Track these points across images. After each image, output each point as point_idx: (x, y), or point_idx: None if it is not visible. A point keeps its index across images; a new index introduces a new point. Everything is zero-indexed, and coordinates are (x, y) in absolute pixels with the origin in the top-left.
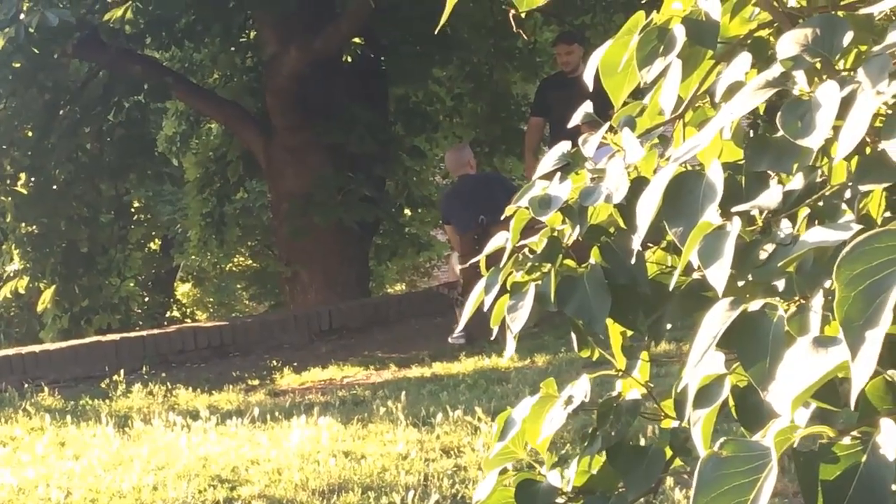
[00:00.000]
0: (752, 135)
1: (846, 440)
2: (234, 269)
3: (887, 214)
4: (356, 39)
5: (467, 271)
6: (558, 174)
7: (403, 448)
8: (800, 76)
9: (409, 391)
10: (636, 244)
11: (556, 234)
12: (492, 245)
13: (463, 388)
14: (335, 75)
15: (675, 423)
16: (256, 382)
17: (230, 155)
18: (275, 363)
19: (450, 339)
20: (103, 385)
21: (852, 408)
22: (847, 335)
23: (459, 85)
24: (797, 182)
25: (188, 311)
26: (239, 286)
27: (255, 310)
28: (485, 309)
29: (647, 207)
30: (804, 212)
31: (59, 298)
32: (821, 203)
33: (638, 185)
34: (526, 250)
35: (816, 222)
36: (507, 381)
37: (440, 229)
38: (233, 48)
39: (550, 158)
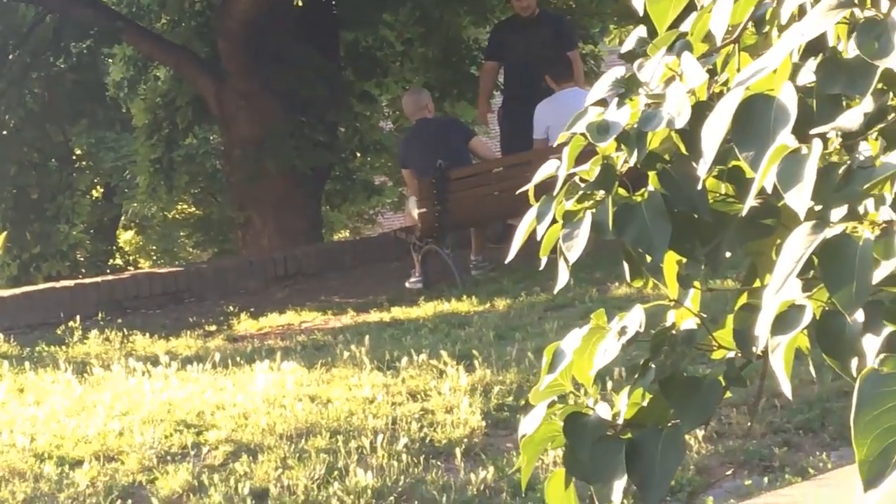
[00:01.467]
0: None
1: None
2: (177, 216)
3: None
4: None
5: (425, 215)
6: (615, 100)
7: (370, 392)
8: None
9: (371, 335)
10: (703, 170)
11: (608, 161)
12: (541, 173)
13: (425, 332)
14: (286, 19)
15: (729, 354)
16: (214, 328)
17: (179, 101)
18: (231, 309)
19: (407, 284)
20: (59, 332)
21: None
22: None
23: (410, 29)
24: (867, 105)
25: (131, 258)
26: (182, 233)
27: (198, 257)
28: (538, 237)
29: (715, 132)
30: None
31: (10, 245)
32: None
33: (699, 109)
34: (577, 179)
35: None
36: (469, 324)
37: (387, 176)
38: None
39: (604, 84)
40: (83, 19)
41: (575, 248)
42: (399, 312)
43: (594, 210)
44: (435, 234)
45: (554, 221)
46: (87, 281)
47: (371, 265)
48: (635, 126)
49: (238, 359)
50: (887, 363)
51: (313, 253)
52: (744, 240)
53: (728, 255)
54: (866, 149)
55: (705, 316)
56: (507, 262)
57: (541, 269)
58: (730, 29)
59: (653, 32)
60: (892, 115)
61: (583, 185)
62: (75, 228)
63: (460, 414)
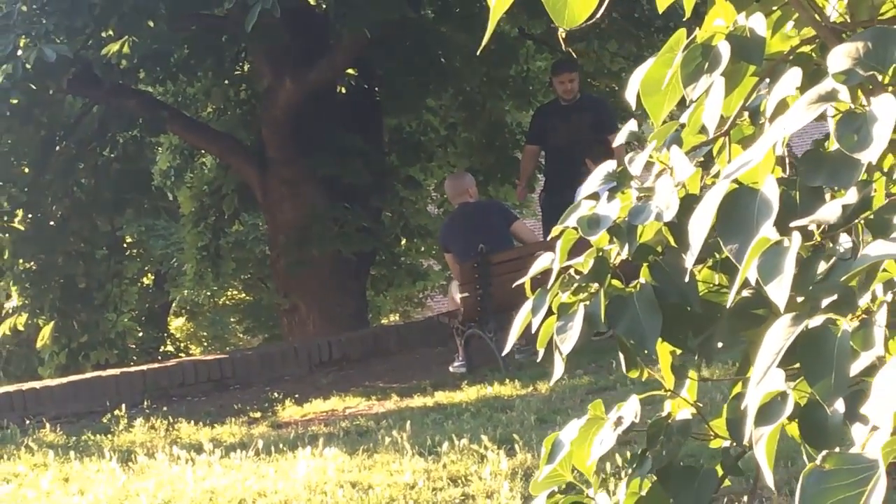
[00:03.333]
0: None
1: None
2: (227, 302)
3: None
4: (350, 70)
5: (467, 300)
6: (606, 194)
7: (410, 478)
8: (844, 94)
9: (413, 420)
10: (690, 262)
11: (601, 254)
12: (536, 267)
13: (467, 417)
14: (330, 106)
15: (725, 443)
16: (258, 415)
17: (225, 188)
18: (276, 395)
19: (451, 368)
20: (105, 420)
21: None
22: None
23: (453, 114)
24: (851, 196)
25: (182, 345)
26: (233, 319)
27: (248, 343)
28: (532, 330)
29: (701, 225)
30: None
31: (57, 334)
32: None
33: (688, 202)
34: (572, 271)
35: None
36: (511, 408)
37: (434, 259)
38: (226, 81)
39: (596, 178)
40: (129, 109)
41: (568, 341)
42: (442, 397)
43: (588, 302)
44: (477, 318)
45: (550, 313)
46: (133, 369)
47: (416, 350)
48: (626, 219)
49: (281, 445)
50: (829, 460)
51: (358, 338)
52: (735, 330)
53: (720, 345)
54: (846, 240)
55: (701, 405)
56: (503, 354)
57: (538, 360)
58: (724, 120)
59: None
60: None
61: (577, 277)
62: (124, 316)
63: (501, 499)
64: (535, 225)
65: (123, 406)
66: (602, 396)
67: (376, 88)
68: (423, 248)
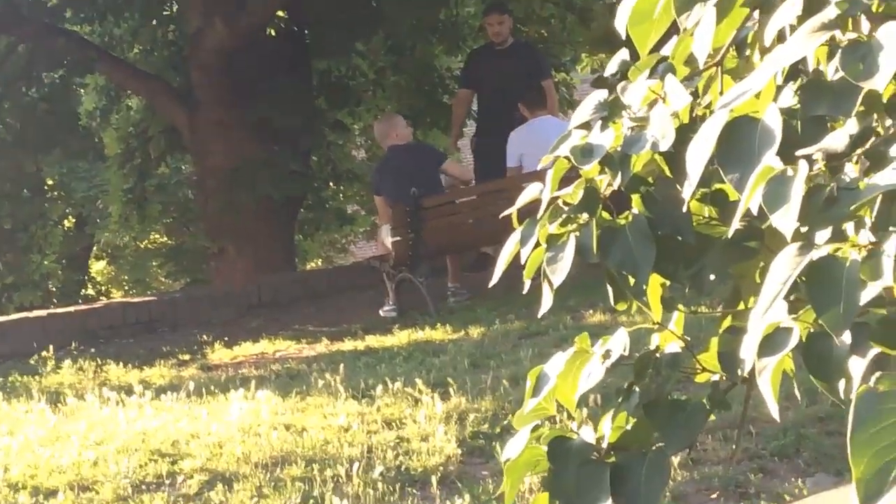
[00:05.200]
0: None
1: None
2: (149, 246)
3: None
4: (280, 13)
5: (399, 244)
6: (599, 122)
7: (345, 420)
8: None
9: (346, 364)
10: (687, 192)
11: (591, 184)
12: (524, 197)
13: (399, 361)
14: (259, 49)
15: (713, 377)
16: (188, 357)
17: (152, 130)
18: (205, 338)
19: (381, 312)
20: (32, 361)
21: None
22: None
23: (382, 58)
24: (851, 127)
25: (103, 288)
26: (154, 263)
27: (171, 287)
28: (521, 261)
29: (700, 155)
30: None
31: None
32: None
33: (684, 132)
34: (560, 202)
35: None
36: (444, 352)
37: (359, 205)
38: (154, 21)
39: (587, 107)
40: (56, 49)
41: (559, 272)
42: (373, 341)
43: (578, 233)
44: (408, 263)
45: (537, 245)
46: (60, 311)
47: (345, 294)
48: (619, 149)
49: (212, 388)
50: (883, 381)
51: (287, 282)
52: (728, 262)
53: (712, 277)
54: (851, 171)
55: (689, 339)
56: (490, 286)
57: (524, 292)
58: (712, 52)
59: (635, 57)
60: (875, 136)
61: (566, 208)
62: (48, 258)
63: (436, 442)
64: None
65: (51, 348)
66: (534, 341)
67: (305, 31)
68: (350, 193)
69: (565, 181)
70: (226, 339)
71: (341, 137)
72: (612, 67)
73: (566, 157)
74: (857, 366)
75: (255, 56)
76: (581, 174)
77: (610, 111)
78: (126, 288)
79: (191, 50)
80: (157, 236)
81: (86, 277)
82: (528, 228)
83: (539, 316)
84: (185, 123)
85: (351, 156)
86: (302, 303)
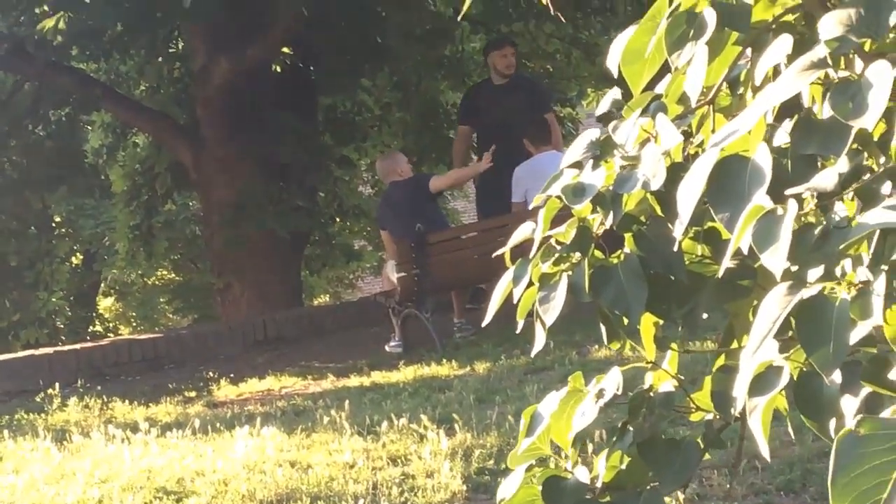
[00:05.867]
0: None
1: None
2: (156, 282)
3: None
4: (285, 49)
5: (404, 279)
6: (590, 163)
7: (350, 457)
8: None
9: (351, 400)
10: (679, 231)
11: (584, 223)
12: (517, 236)
13: (405, 397)
14: (264, 85)
15: (707, 416)
16: (194, 394)
17: (158, 167)
18: (211, 374)
19: (387, 348)
20: (38, 399)
21: None
22: None
23: (388, 94)
24: (842, 165)
25: (111, 325)
26: (162, 300)
27: (178, 323)
28: (514, 301)
29: (690, 194)
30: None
31: None
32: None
33: (674, 171)
34: (553, 241)
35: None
36: (450, 388)
37: (366, 240)
38: (160, 59)
39: (579, 146)
40: (62, 87)
41: (551, 311)
42: (379, 377)
43: (570, 272)
44: (414, 298)
45: (530, 284)
46: (66, 348)
47: (351, 330)
48: (611, 188)
49: (218, 425)
50: (864, 424)
51: (293, 318)
52: (720, 301)
53: (705, 316)
54: (842, 209)
55: (683, 378)
56: (483, 325)
57: (518, 332)
58: (704, 90)
59: (628, 95)
60: (867, 174)
61: (559, 247)
62: (54, 295)
63: (441, 478)
64: (468, 207)
65: (57, 385)
66: (540, 377)
67: (311, 67)
68: (356, 229)
69: (559, 220)
70: (232, 375)
71: (347, 173)
72: (603, 106)
73: (558, 197)
74: (848, 405)
75: (260, 92)
76: (573, 213)
77: (602, 150)
78: (134, 325)
79: (196, 87)
80: (165, 273)
81: (93, 314)
82: (520, 268)
83: (532, 355)
84: (191, 160)
85: (357, 191)
86: (308, 339)
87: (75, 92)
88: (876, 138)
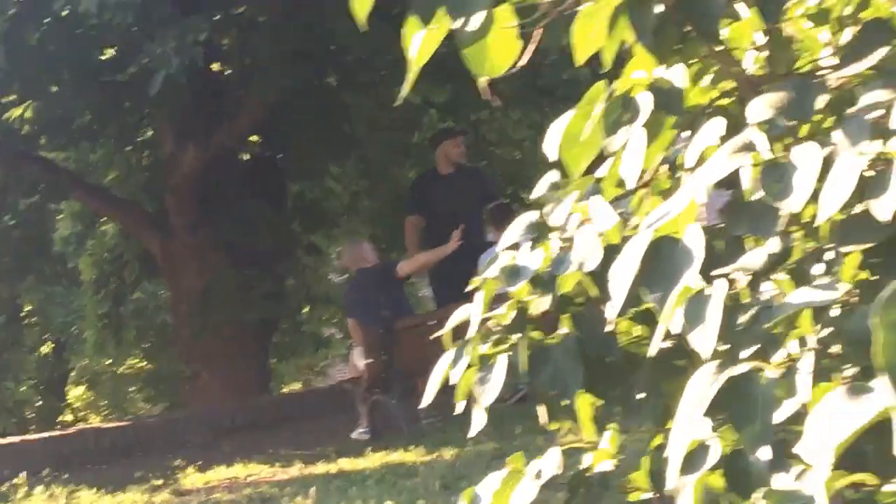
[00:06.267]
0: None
1: (889, 487)
2: (127, 371)
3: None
4: (253, 137)
5: (372, 366)
6: (528, 244)
7: None
8: (760, 140)
9: (318, 487)
10: (612, 313)
11: (522, 304)
12: (455, 318)
13: (371, 483)
14: (233, 172)
15: (645, 496)
16: (160, 482)
17: (127, 255)
18: (179, 462)
19: (353, 435)
20: (4, 489)
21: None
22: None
23: (356, 182)
24: (773, 245)
25: (82, 414)
26: (132, 388)
27: (149, 412)
28: (450, 382)
29: (624, 274)
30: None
31: None
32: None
33: (609, 252)
34: (491, 323)
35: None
36: (416, 475)
37: (336, 328)
38: (129, 147)
39: (517, 229)
40: (30, 176)
41: (489, 393)
42: (346, 464)
43: (509, 353)
44: (381, 385)
45: (470, 365)
46: (33, 437)
47: (319, 417)
48: (548, 269)
49: None
50: (770, 497)
51: (261, 406)
52: (656, 381)
53: (641, 396)
54: (770, 288)
55: (622, 457)
56: (420, 408)
57: (455, 413)
58: (644, 173)
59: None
60: (797, 254)
61: (497, 328)
62: (23, 385)
63: None
64: (427, 293)
65: (23, 475)
66: (506, 462)
67: (279, 155)
68: (325, 317)
69: (501, 301)
70: (199, 463)
71: (317, 261)
72: (539, 190)
73: (495, 278)
74: (778, 483)
75: (228, 180)
76: (511, 295)
77: (539, 232)
78: (104, 413)
79: (164, 175)
80: (136, 361)
81: (63, 404)
82: (458, 350)
83: (469, 437)
84: (159, 248)
85: (326, 279)
86: (276, 426)
87: (43, 181)
88: (808, 219)
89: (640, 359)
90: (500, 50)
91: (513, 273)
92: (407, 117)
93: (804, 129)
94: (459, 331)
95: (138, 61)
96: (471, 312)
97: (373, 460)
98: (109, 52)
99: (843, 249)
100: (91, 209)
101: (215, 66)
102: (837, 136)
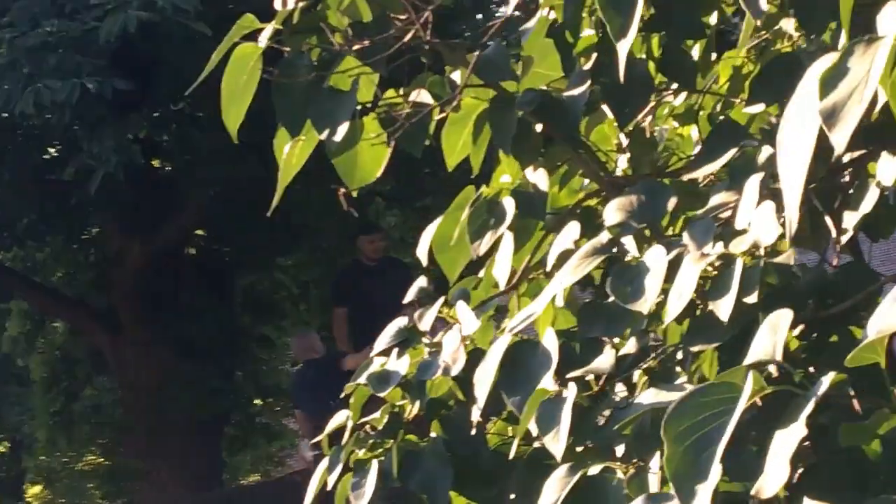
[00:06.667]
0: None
1: None
2: (85, 468)
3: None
4: (198, 231)
5: (321, 457)
6: (396, 350)
7: None
8: (630, 242)
9: None
10: (475, 416)
11: (397, 409)
12: (333, 424)
13: None
14: (180, 267)
15: None
16: None
17: (76, 352)
18: None
19: None
20: None
21: None
22: (678, 490)
23: (304, 272)
24: (630, 346)
25: None
26: (90, 485)
27: None
28: (328, 488)
29: (485, 378)
30: (643, 376)
31: None
32: (650, 366)
33: (475, 356)
34: (367, 427)
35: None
36: None
37: (291, 418)
38: (76, 245)
39: (387, 335)
40: None
41: (363, 497)
42: None
43: (381, 459)
44: None
45: (347, 470)
46: None
47: None
48: (415, 375)
49: None
50: None
51: (212, 501)
52: (528, 481)
53: (513, 496)
54: (622, 390)
55: None
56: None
57: None
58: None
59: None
60: (652, 356)
61: (373, 433)
62: None
63: None
64: None
65: None
66: None
67: (226, 249)
68: (277, 408)
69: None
70: None
71: (267, 352)
72: (411, 294)
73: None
74: None
75: (175, 274)
76: (385, 399)
77: (409, 337)
78: None
79: (110, 271)
80: (94, 458)
81: (21, 503)
82: (334, 455)
83: None
84: (107, 346)
85: (279, 370)
86: None
87: None
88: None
89: (514, 459)
90: (369, 159)
91: (381, 379)
92: (354, 206)
93: (678, 227)
94: (338, 436)
95: (79, 160)
96: (347, 417)
97: None
98: (52, 151)
99: (693, 349)
100: (38, 309)
101: (156, 163)
102: (685, 237)
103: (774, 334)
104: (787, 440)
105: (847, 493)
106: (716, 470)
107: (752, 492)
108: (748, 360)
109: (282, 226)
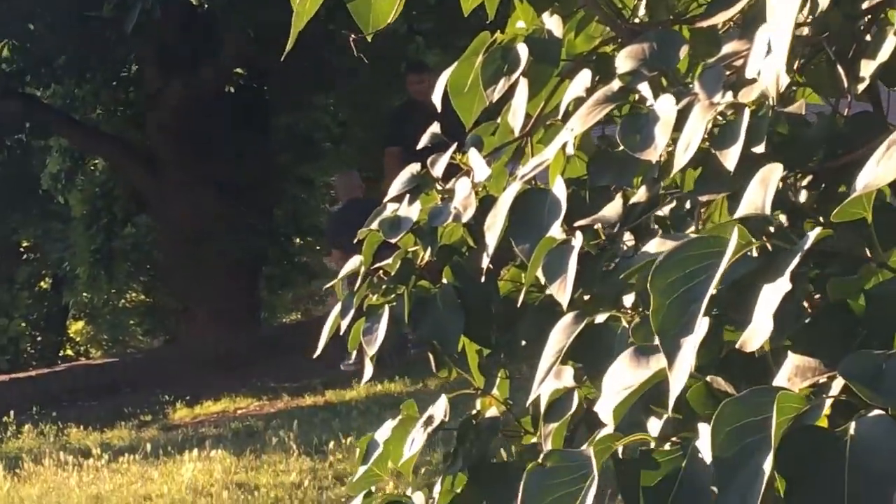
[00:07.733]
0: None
1: (667, 446)
2: (126, 305)
3: None
4: (238, 70)
5: None
6: (408, 195)
7: (296, 477)
8: (646, 90)
9: (302, 420)
10: (485, 262)
11: (409, 255)
12: (346, 269)
13: (355, 415)
14: (218, 106)
15: (535, 439)
16: (149, 418)
17: (117, 191)
18: (167, 398)
19: (342, 367)
20: None
21: (669, 413)
22: (663, 343)
23: (344, 112)
24: (641, 195)
25: (82, 349)
26: (132, 322)
27: (149, 345)
28: (341, 333)
29: (495, 226)
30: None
31: None
32: (662, 215)
33: (486, 203)
34: (381, 272)
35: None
36: (400, 405)
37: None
38: (115, 83)
39: (400, 181)
40: (14, 114)
41: (374, 342)
42: (332, 396)
43: (393, 304)
44: None
45: (360, 314)
46: (21, 375)
47: (309, 349)
48: (426, 221)
49: (170, 448)
50: (550, 458)
51: (250, 339)
52: (538, 328)
53: (524, 343)
54: (629, 239)
55: (511, 403)
56: (315, 356)
57: (350, 362)
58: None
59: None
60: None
61: (386, 278)
62: (17, 321)
63: None
64: None
65: (12, 412)
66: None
67: (265, 87)
68: (317, 247)
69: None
70: (188, 398)
71: (306, 192)
72: (424, 141)
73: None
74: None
75: (214, 113)
76: (399, 245)
77: (422, 183)
78: (105, 347)
79: (150, 110)
80: (135, 295)
81: (64, 339)
82: (347, 300)
83: (362, 384)
84: (146, 183)
85: (318, 210)
86: (265, 359)
87: (28, 118)
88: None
89: (523, 306)
90: (383, 1)
91: (392, 225)
92: (393, 45)
93: (696, 74)
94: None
95: None
96: (358, 262)
97: (359, 391)
98: None
99: (701, 199)
100: (77, 146)
101: (195, 1)
102: (696, 86)
103: (764, 188)
104: (771, 295)
105: (832, 349)
106: (702, 324)
107: (737, 345)
108: (738, 214)
109: (317, 66)
